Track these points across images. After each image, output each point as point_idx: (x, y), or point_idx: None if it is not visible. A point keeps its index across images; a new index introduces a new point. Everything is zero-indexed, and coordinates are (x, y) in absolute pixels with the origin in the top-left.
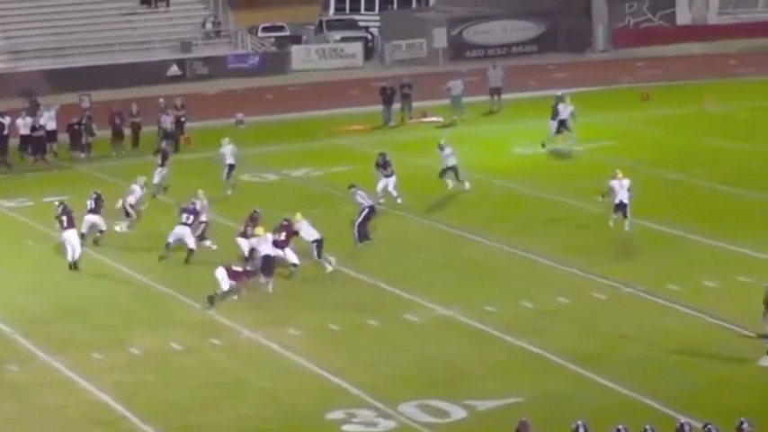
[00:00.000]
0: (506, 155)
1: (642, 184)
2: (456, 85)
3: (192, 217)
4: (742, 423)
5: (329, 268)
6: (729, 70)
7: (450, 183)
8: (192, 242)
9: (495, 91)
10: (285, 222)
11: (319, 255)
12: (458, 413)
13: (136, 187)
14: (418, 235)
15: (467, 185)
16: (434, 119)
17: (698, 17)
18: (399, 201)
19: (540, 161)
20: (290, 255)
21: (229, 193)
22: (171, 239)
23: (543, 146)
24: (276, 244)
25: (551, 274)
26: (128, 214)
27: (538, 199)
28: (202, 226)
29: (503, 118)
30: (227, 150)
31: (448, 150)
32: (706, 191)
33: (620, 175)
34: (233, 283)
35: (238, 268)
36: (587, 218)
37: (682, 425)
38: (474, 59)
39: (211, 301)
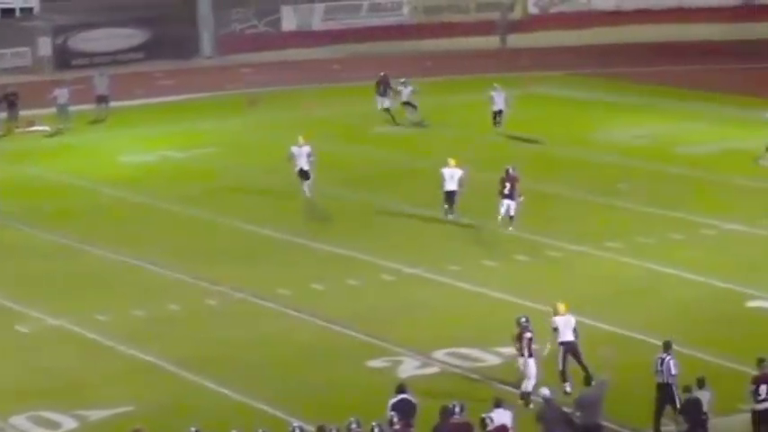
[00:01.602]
0: (114, 163)
1: (248, 189)
2: (62, 94)
3: None
4: (351, 423)
5: None
6: (335, 75)
7: None
8: None
9: (102, 99)
10: None
11: None
12: (69, 424)
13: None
14: (24, 244)
15: None
16: (41, 128)
17: (303, 23)
18: None
19: (147, 169)
20: None
21: None
22: None
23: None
24: None
25: (162, 282)
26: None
27: (146, 206)
28: None
29: (110, 126)
30: None
31: None
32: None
33: (300, 141)
34: None
35: None
36: (196, 224)
37: (294, 428)
38: (80, 68)
39: None
